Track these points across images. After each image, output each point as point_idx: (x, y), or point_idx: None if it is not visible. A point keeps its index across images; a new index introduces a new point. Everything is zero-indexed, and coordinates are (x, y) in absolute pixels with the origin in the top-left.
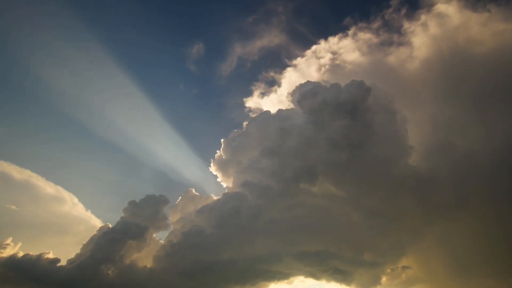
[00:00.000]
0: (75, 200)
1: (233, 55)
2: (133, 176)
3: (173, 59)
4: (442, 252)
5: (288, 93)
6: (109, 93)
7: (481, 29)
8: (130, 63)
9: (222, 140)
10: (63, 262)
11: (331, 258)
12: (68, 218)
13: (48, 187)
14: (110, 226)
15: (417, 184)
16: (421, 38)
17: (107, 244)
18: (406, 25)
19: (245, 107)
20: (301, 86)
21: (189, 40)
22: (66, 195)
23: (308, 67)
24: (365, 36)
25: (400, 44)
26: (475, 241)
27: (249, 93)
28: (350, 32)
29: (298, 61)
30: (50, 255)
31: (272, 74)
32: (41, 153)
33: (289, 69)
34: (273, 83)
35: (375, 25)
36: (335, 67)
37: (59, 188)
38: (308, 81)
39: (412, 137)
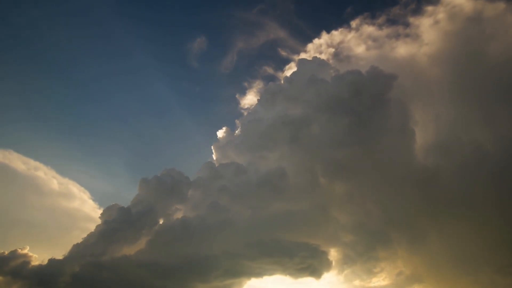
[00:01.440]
0: (86, 196)
1: (234, 51)
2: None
3: (175, 55)
4: (444, 250)
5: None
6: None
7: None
8: (132, 62)
9: (212, 146)
10: None
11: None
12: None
13: (56, 180)
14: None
15: (421, 182)
16: (430, 32)
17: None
18: (413, 19)
19: (244, 103)
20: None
21: (191, 34)
22: (76, 190)
23: None
24: (369, 29)
25: (407, 37)
26: (478, 239)
27: (250, 90)
28: (353, 26)
29: (301, 56)
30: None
31: (272, 71)
32: (49, 144)
33: (292, 64)
34: (274, 80)
35: (380, 20)
36: (339, 62)
37: (70, 182)
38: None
39: (418, 134)
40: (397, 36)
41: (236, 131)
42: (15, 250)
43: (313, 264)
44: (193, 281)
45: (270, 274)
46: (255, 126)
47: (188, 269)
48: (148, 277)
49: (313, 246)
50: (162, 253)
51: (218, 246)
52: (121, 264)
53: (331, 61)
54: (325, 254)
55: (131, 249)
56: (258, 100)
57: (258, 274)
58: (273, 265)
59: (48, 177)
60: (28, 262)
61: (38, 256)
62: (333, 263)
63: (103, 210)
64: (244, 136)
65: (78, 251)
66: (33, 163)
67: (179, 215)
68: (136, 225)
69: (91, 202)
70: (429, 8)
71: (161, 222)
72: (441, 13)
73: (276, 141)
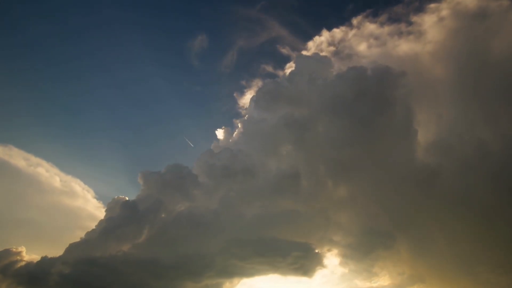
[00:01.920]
0: (90, 195)
1: (234, 50)
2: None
3: (176, 53)
4: (446, 249)
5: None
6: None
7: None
8: (133, 61)
9: (211, 146)
10: None
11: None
12: (81, 213)
13: (59, 178)
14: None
15: (423, 181)
16: (433, 30)
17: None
18: (416, 17)
19: (243, 103)
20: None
21: (192, 32)
22: (79, 188)
23: None
24: (371, 27)
25: (410, 34)
26: (479, 238)
27: (249, 89)
28: (355, 23)
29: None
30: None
31: (272, 70)
32: (51, 140)
33: (292, 63)
34: (274, 79)
35: (382, 17)
36: (340, 60)
37: (73, 180)
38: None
39: (420, 133)
40: (400, 34)
41: (235, 131)
42: (9, 249)
43: (306, 264)
44: (185, 280)
45: (265, 274)
46: (252, 126)
47: (182, 268)
48: (142, 275)
49: (312, 246)
50: (157, 252)
51: (216, 245)
52: (114, 262)
53: (332, 59)
54: (323, 254)
55: (126, 247)
56: (251, 98)
57: (251, 274)
58: (265, 265)
59: (50, 174)
60: (20, 261)
61: (38, 256)
62: (335, 262)
63: (109, 203)
64: (243, 136)
65: (75, 249)
66: (34, 159)
67: (180, 210)
68: (139, 221)
69: (94, 201)
70: (432, 6)
71: (163, 215)
72: (444, 10)
73: (275, 141)
